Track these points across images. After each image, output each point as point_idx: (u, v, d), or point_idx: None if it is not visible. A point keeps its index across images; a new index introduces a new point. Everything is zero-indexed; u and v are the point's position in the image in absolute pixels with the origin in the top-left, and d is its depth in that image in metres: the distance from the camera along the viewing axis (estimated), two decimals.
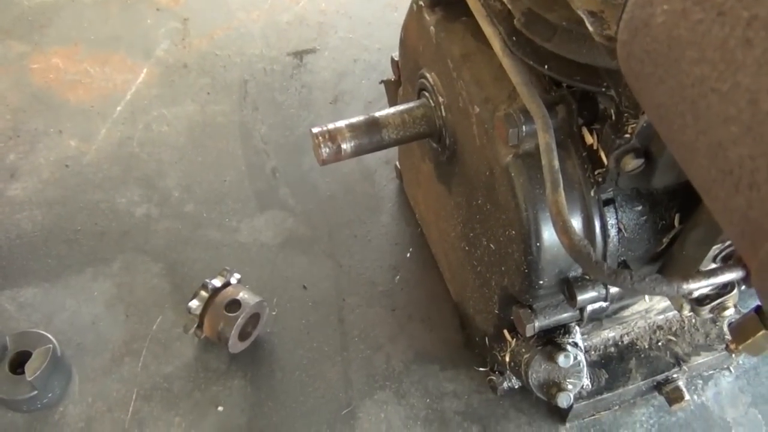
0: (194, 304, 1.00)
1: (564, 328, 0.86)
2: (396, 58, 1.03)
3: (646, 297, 0.93)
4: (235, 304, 1.00)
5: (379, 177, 1.24)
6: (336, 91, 1.34)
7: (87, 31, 1.42)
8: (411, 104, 0.90)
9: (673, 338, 0.99)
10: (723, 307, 0.85)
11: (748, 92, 0.38)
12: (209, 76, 1.36)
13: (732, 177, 0.40)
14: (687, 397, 0.96)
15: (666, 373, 0.97)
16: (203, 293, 1.00)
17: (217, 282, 1.01)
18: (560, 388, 0.86)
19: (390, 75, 1.08)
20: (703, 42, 0.41)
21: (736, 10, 0.39)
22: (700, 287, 0.60)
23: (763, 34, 0.38)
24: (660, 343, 0.99)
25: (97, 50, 1.39)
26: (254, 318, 1.04)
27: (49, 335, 1.01)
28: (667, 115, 0.44)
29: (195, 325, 1.01)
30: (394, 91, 1.09)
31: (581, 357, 0.86)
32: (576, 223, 0.73)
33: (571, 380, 0.86)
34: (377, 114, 0.88)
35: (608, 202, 0.74)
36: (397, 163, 1.20)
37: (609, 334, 0.98)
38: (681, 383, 0.97)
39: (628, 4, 0.46)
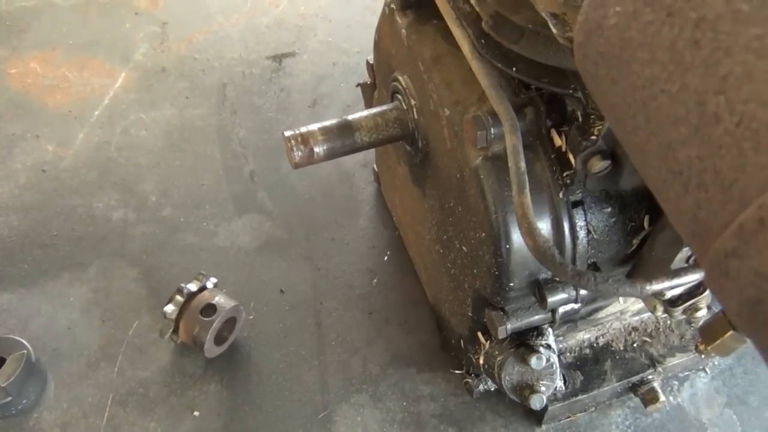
0: (169, 308, 1.00)
1: (537, 330, 0.86)
2: (371, 62, 1.04)
3: (620, 298, 0.94)
4: (210, 309, 1.00)
5: (357, 180, 1.23)
6: (315, 95, 1.34)
7: (65, 36, 1.42)
8: (384, 107, 0.90)
9: (648, 339, 0.99)
10: (695, 308, 0.85)
11: (696, 93, 0.39)
12: (188, 80, 1.36)
13: (682, 178, 0.40)
14: (662, 398, 0.96)
15: (641, 375, 0.97)
16: (178, 298, 1.00)
17: (192, 286, 1.01)
18: (533, 390, 0.86)
19: (367, 78, 1.08)
20: (653, 43, 0.41)
21: (685, 12, 0.40)
22: (664, 288, 0.60)
23: (710, 35, 0.38)
24: (635, 345, 0.99)
25: (76, 55, 1.39)
26: (230, 322, 1.03)
27: (23, 341, 1.01)
28: (621, 117, 0.44)
29: (171, 330, 1.00)
30: (370, 94, 1.09)
31: (554, 359, 0.86)
32: (545, 224, 0.74)
33: (544, 382, 0.87)
34: (350, 117, 0.88)
35: (577, 204, 0.74)
36: (375, 166, 1.20)
37: (584, 335, 0.98)
38: (656, 384, 0.97)
39: (583, 6, 0.46)
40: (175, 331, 1.00)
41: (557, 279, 0.77)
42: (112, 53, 1.39)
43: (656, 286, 0.59)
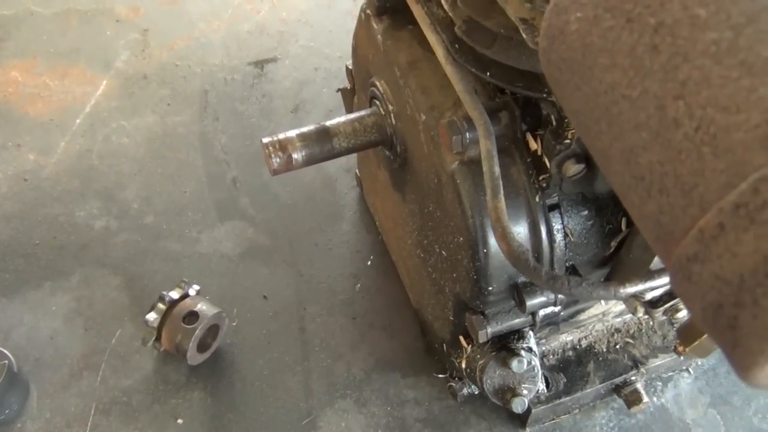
0: (152, 316, 0.99)
1: (518, 334, 0.86)
2: (350, 67, 1.04)
3: (602, 300, 0.94)
4: (193, 316, 1.00)
5: (340, 185, 1.23)
6: (297, 100, 1.33)
7: (46, 44, 1.41)
8: (362, 113, 0.90)
9: (630, 341, 1.00)
10: (676, 309, 0.85)
11: (656, 98, 0.39)
12: (169, 86, 1.35)
13: (644, 183, 0.40)
14: (645, 399, 0.96)
15: (624, 376, 0.97)
16: (161, 305, 1.00)
17: (174, 294, 1.00)
18: (515, 394, 0.86)
19: (348, 83, 1.08)
20: (613, 49, 0.41)
21: (644, 17, 0.40)
22: (638, 290, 0.60)
23: (669, 40, 0.39)
24: (618, 346, 0.99)
25: (57, 63, 1.38)
26: (213, 329, 1.03)
27: (5, 351, 1.00)
28: (585, 122, 0.45)
29: (153, 338, 1.00)
30: (350, 99, 1.09)
31: (535, 362, 0.86)
32: (522, 228, 0.74)
33: (526, 385, 0.87)
34: (328, 123, 0.88)
35: (553, 207, 0.74)
36: (357, 170, 1.20)
37: (567, 337, 0.98)
38: (639, 385, 0.97)
39: (546, 12, 0.46)
40: (158, 339, 1.00)
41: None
42: (93, 61, 1.39)
43: (630, 289, 0.60)
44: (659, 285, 0.61)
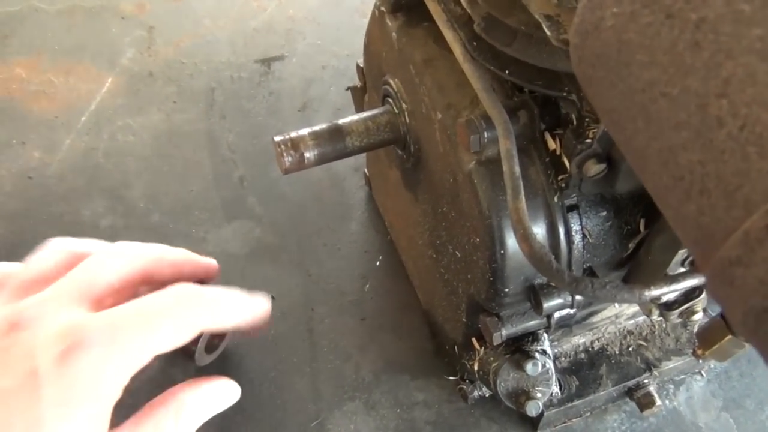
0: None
1: (532, 336, 0.85)
2: (361, 65, 1.02)
3: (620, 303, 0.93)
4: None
5: (349, 184, 1.22)
6: (304, 98, 1.32)
7: (51, 41, 1.40)
8: (375, 111, 0.89)
9: (643, 343, 0.99)
10: (692, 312, 0.84)
11: (697, 96, 0.38)
12: (175, 84, 1.34)
13: (683, 183, 0.39)
14: (658, 402, 0.95)
15: (637, 379, 0.96)
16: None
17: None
18: (529, 397, 0.85)
19: (357, 81, 1.07)
20: (652, 45, 0.40)
21: (685, 13, 0.39)
22: (662, 293, 0.59)
23: (711, 36, 0.37)
24: (631, 349, 0.98)
25: (61, 60, 1.37)
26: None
27: None
28: (620, 121, 0.43)
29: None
30: (360, 97, 1.07)
31: (549, 364, 0.85)
32: (540, 229, 0.73)
33: (540, 388, 0.85)
34: (341, 121, 0.87)
35: (572, 208, 0.73)
36: (366, 170, 1.18)
37: (579, 340, 0.97)
38: (652, 388, 0.96)
39: (579, 8, 0.45)
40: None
41: (553, 284, 0.76)
42: (98, 58, 1.37)
43: (655, 292, 0.58)
44: (684, 288, 0.60)
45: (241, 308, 0.75)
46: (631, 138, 0.43)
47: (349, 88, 1.10)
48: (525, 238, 0.60)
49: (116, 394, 0.64)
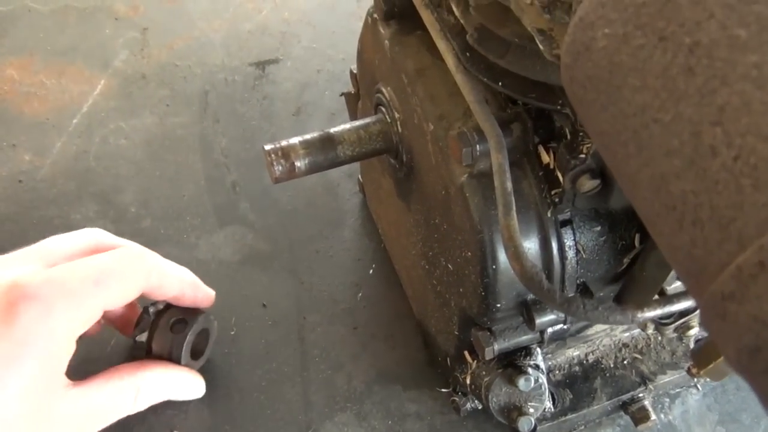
0: (140, 335, 0.95)
1: (525, 350, 0.84)
2: (355, 71, 1.01)
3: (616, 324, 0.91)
4: (181, 324, 0.96)
5: (342, 191, 1.21)
6: (299, 103, 1.31)
7: (43, 42, 1.38)
8: (367, 120, 0.87)
9: (638, 356, 0.97)
10: (687, 327, 0.83)
11: (690, 123, 0.36)
12: (168, 87, 1.32)
13: (675, 213, 0.38)
14: (653, 416, 0.94)
15: (632, 393, 0.95)
16: (146, 318, 0.96)
17: (159, 305, 0.97)
18: (521, 412, 0.84)
19: (351, 87, 1.06)
20: (644, 69, 0.38)
21: (678, 36, 0.37)
22: (655, 315, 0.58)
23: (705, 62, 0.36)
24: (626, 362, 0.97)
25: (54, 61, 1.35)
26: (204, 333, 1.00)
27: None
28: (611, 145, 0.42)
29: (145, 354, 0.96)
30: (354, 103, 1.06)
31: (543, 379, 0.83)
32: (533, 244, 0.71)
33: (533, 404, 0.84)
34: (332, 130, 0.86)
35: (566, 223, 0.72)
36: (360, 176, 1.17)
37: (573, 352, 0.96)
38: (647, 402, 0.95)
39: (570, 26, 0.43)
40: (149, 353, 0.97)
41: None
42: (90, 60, 1.36)
43: (648, 314, 0.57)
44: (678, 309, 0.58)
45: (183, 279, 0.78)
46: (622, 163, 0.41)
47: (343, 94, 1.08)
48: (516, 256, 0.59)
49: (68, 348, 0.63)
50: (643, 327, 0.84)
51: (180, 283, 0.75)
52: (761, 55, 0.35)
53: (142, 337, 0.95)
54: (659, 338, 0.98)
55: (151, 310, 0.95)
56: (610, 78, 0.40)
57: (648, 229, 0.42)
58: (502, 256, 0.71)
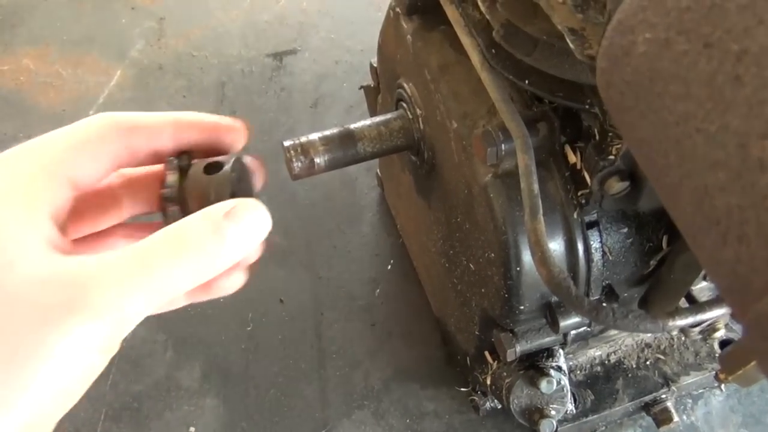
0: (170, 183, 0.73)
1: (547, 352, 0.82)
2: (375, 64, 0.99)
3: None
4: (215, 166, 0.79)
5: (360, 185, 1.19)
6: (316, 95, 1.29)
7: (59, 31, 1.38)
8: (388, 116, 0.85)
9: (661, 357, 0.95)
10: (713, 329, 0.81)
11: (737, 135, 0.34)
12: (185, 77, 1.31)
13: (719, 227, 0.36)
14: (676, 418, 0.93)
15: (654, 394, 0.93)
16: (172, 173, 0.73)
17: (181, 159, 0.74)
18: (543, 415, 0.82)
19: (370, 80, 1.04)
20: (688, 76, 0.37)
21: (725, 43, 0.35)
22: (687, 324, 0.56)
23: (754, 70, 0.34)
24: (648, 362, 0.95)
25: (70, 51, 1.34)
26: (245, 178, 0.80)
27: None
28: (650, 153, 0.40)
29: (176, 208, 0.73)
30: (373, 97, 1.04)
31: (565, 381, 0.82)
32: (558, 246, 0.70)
33: (555, 406, 0.83)
34: (352, 126, 0.84)
35: (592, 225, 0.70)
36: (378, 171, 1.15)
37: (595, 353, 0.95)
38: (669, 404, 0.93)
39: (608, 30, 0.41)
40: (183, 204, 0.74)
41: None
42: (107, 50, 1.35)
43: (680, 322, 0.55)
44: (711, 318, 0.57)
45: (178, 119, 0.60)
46: (662, 172, 0.40)
47: (362, 87, 1.07)
48: (543, 261, 0.57)
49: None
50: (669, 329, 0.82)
51: (173, 126, 0.58)
52: None
53: (174, 185, 0.72)
54: (683, 339, 0.97)
55: (175, 161, 0.73)
56: (650, 85, 0.39)
57: (688, 242, 0.40)
58: (526, 258, 0.69)
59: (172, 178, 0.63)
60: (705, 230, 0.37)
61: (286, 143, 0.82)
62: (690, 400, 0.99)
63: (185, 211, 0.60)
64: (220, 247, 0.50)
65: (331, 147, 0.83)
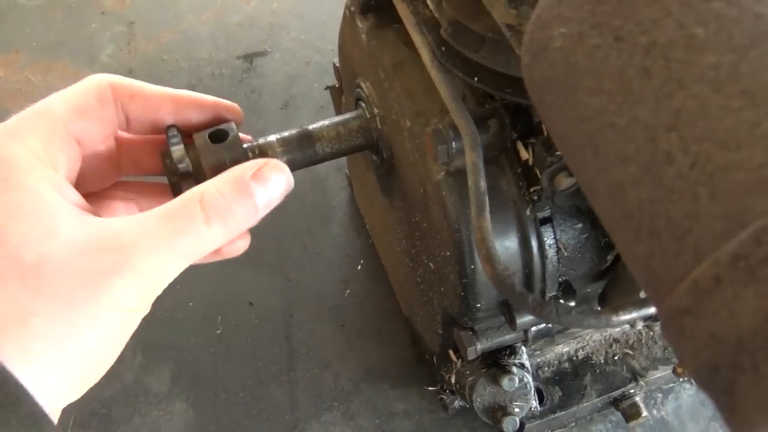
0: (180, 157, 0.62)
1: (510, 349, 0.82)
2: (337, 65, 0.99)
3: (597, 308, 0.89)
4: (220, 133, 0.69)
5: (331, 185, 1.19)
6: (287, 96, 1.29)
7: (29, 38, 1.37)
8: (346, 116, 0.85)
9: (630, 352, 0.95)
10: None
11: (647, 129, 0.34)
12: (156, 81, 1.28)
13: (633, 222, 0.36)
14: (644, 413, 0.92)
15: (623, 389, 0.93)
16: (176, 146, 0.62)
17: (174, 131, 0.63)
18: (506, 412, 0.82)
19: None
20: (600, 70, 0.36)
21: (634, 36, 0.35)
22: (631, 318, 0.56)
23: (661, 62, 0.34)
24: (616, 357, 0.95)
25: (40, 57, 1.34)
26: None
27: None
28: (569, 149, 0.40)
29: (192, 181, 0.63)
30: (339, 97, 1.04)
31: (528, 378, 0.82)
32: (512, 243, 0.69)
33: (518, 403, 0.83)
34: (310, 126, 0.83)
35: (546, 221, 0.70)
36: (347, 170, 1.15)
37: (563, 349, 0.94)
38: (638, 399, 0.93)
39: (528, 25, 0.41)
40: (197, 175, 0.63)
41: None
42: (77, 55, 1.34)
43: (624, 317, 0.55)
44: (653, 313, 0.56)
45: (178, 95, 0.62)
46: (581, 168, 0.40)
47: (327, 88, 1.06)
48: (488, 258, 0.57)
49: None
50: (632, 323, 0.82)
51: (172, 101, 0.61)
52: (719, 55, 0.33)
53: (186, 165, 0.62)
54: (651, 333, 0.96)
55: (173, 129, 0.64)
56: (566, 80, 0.38)
57: (610, 236, 0.40)
58: None
59: (179, 149, 0.63)
60: (621, 225, 0.37)
61: (245, 146, 0.82)
62: (660, 395, 0.99)
63: (198, 181, 0.61)
64: (249, 209, 0.54)
65: (289, 148, 0.82)
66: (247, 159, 0.68)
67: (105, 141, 0.57)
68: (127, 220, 0.48)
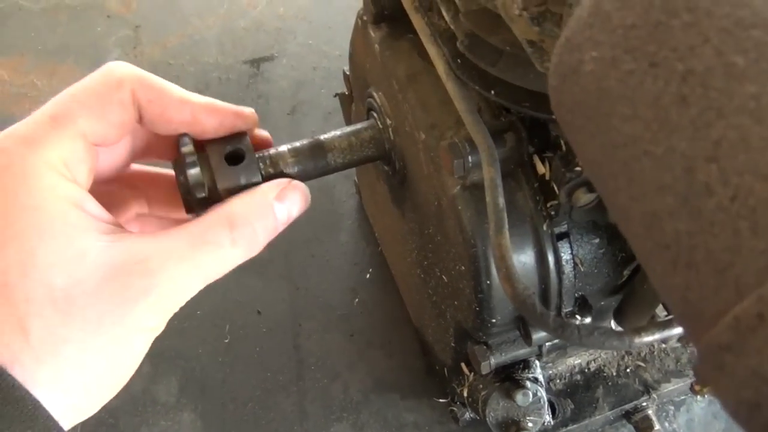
0: (197, 181, 0.60)
1: (523, 363, 0.81)
2: (348, 72, 0.98)
3: (612, 322, 0.88)
4: (236, 155, 0.66)
5: (339, 193, 1.18)
6: (294, 101, 1.28)
7: (34, 41, 1.36)
8: (359, 126, 0.84)
9: (642, 364, 0.94)
10: None
11: (684, 158, 0.33)
12: None
13: (669, 253, 0.35)
14: (657, 426, 0.92)
15: (635, 402, 0.92)
16: (191, 162, 0.60)
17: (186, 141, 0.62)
18: (520, 427, 0.81)
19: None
20: (635, 96, 0.35)
21: (670, 62, 0.34)
22: (654, 340, 0.55)
23: (699, 91, 0.33)
24: (629, 370, 0.94)
25: (45, 61, 1.33)
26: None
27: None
28: (600, 174, 0.39)
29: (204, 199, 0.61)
30: (348, 105, 1.03)
31: (541, 393, 0.81)
32: (528, 258, 0.68)
33: (532, 418, 0.82)
34: (322, 137, 0.82)
35: (563, 236, 0.69)
36: (356, 178, 1.14)
37: (575, 361, 0.93)
38: (650, 412, 0.92)
39: (557, 47, 0.40)
40: (212, 196, 0.61)
41: None
42: (82, 59, 1.33)
43: (646, 338, 0.54)
44: (678, 333, 0.56)
45: (191, 100, 0.62)
46: (612, 195, 0.39)
47: (337, 95, 1.05)
48: (508, 277, 0.56)
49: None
50: None
51: (190, 106, 0.60)
52: (760, 85, 0.32)
53: (201, 190, 0.61)
54: (663, 346, 0.96)
55: (184, 140, 0.62)
56: (598, 105, 0.37)
57: (642, 265, 0.39)
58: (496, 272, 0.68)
59: (195, 174, 0.62)
60: (656, 255, 0.36)
61: (256, 155, 0.81)
62: (672, 407, 0.98)
63: (213, 200, 0.62)
64: (270, 229, 0.56)
65: (300, 159, 0.81)
66: (260, 177, 0.67)
67: (121, 141, 0.57)
68: (155, 241, 0.48)
